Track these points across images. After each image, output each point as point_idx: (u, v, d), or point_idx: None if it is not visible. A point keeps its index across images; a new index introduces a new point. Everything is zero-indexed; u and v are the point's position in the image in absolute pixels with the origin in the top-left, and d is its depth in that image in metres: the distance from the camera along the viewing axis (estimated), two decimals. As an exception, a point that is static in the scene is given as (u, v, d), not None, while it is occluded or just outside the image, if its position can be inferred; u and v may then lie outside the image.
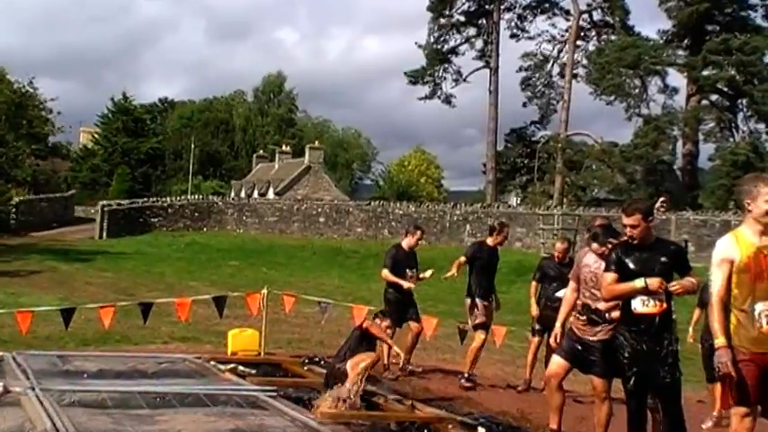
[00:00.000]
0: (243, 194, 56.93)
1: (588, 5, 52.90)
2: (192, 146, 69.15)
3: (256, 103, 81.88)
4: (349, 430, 6.06)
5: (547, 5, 54.93)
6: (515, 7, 55.26)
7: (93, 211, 44.20)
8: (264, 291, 11.57)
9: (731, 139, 46.77)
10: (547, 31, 55.30)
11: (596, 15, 53.76)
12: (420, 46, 54.91)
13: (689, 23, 46.85)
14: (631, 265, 6.06)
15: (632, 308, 6.04)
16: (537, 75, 55.75)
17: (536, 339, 10.44)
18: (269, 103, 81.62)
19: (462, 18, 54.54)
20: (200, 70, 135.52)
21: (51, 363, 8.53)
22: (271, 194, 55.67)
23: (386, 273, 10.80)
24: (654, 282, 5.94)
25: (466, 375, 10.29)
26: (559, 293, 8.72)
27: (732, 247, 5.24)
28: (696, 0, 45.25)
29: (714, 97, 48.27)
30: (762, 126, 46.61)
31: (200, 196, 46.59)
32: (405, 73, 55.36)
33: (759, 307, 5.13)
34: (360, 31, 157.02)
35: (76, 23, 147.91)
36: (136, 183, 62.52)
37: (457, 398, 9.27)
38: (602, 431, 6.87)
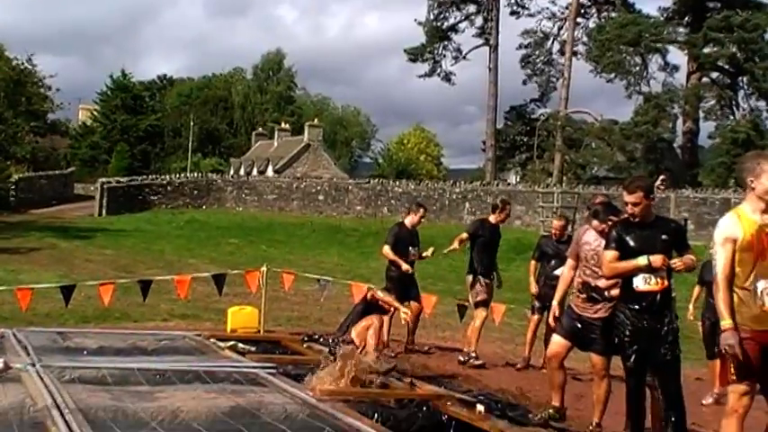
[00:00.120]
0: (242, 172, 56.87)
1: (589, -18, 52.68)
2: (191, 123, 68.95)
3: (255, 80, 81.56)
4: (348, 407, 6.07)
5: (547, -18, 54.70)
6: (515, -16, 54.99)
7: (92, 188, 44.18)
8: (264, 268, 11.59)
9: (731, 117, 46.64)
10: (547, 9, 55.15)
11: (596, -8, 53.53)
12: (420, 23, 54.68)
13: (689, 0, 46.62)
14: (632, 243, 6.06)
15: (634, 286, 6.04)
16: (537, 52, 55.52)
17: (535, 317, 10.46)
18: (268, 81, 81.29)
19: (462, -5, 54.28)
20: (199, 47, 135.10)
21: (52, 339, 8.54)
22: (270, 172, 55.61)
23: (386, 249, 10.80)
24: (657, 259, 5.94)
25: (473, 354, 10.33)
26: (558, 271, 8.74)
27: (735, 226, 5.22)
28: (697, -23, 45.12)
29: (715, 75, 48.11)
30: (762, 104, 46.50)
31: (200, 174, 46.53)
32: (404, 50, 55.17)
33: (761, 285, 5.12)
34: (359, 8, 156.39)
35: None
36: (135, 160, 62.40)
37: (456, 375, 9.29)
38: (601, 408, 6.89)
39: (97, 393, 5.79)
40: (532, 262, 10.67)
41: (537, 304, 10.35)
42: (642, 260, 5.96)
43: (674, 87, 47.08)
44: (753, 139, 41.07)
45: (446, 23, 54.91)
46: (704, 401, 8.86)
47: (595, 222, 7.03)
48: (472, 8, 54.59)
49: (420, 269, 11.44)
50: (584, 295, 6.93)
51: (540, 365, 10.41)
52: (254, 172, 56.51)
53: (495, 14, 53.40)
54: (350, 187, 41.80)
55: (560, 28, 54.60)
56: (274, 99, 79.22)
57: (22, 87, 37.87)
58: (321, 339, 9.97)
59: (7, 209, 39.05)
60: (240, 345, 8.99)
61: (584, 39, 53.02)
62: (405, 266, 10.62)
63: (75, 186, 52.47)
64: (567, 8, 53.23)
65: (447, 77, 55.35)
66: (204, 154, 70.10)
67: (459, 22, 54.99)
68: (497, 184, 41.32)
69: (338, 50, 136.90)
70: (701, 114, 48.11)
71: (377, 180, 43.29)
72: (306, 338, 10.08)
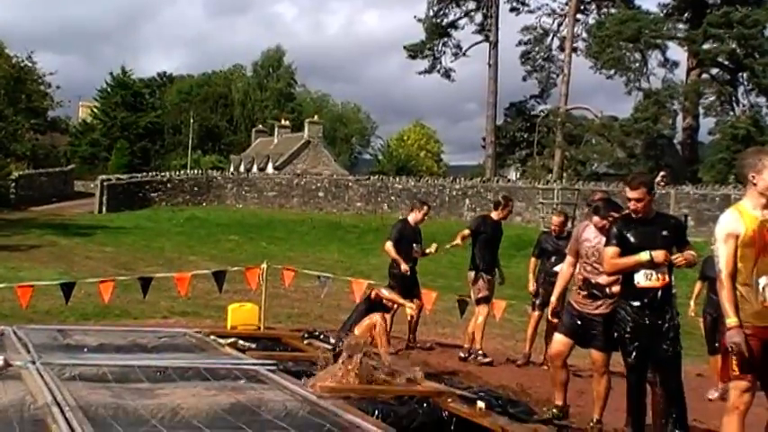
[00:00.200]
0: (242, 169, 56.83)
1: (589, -21, 52.63)
2: (191, 120, 68.94)
3: (255, 77, 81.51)
4: (348, 404, 6.07)
5: (547, -22, 54.64)
6: (515, -20, 54.93)
7: (92, 185, 44.12)
8: (264, 265, 11.58)
9: (731, 113, 46.59)
10: (547, 5, 55.06)
11: (596, -12, 53.47)
12: (419, 20, 54.59)
13: (689, -4, 46.64)
14: (632, 239, 6.05)
15: (635, 282, 6.04)
16: (537, 48, 55.45)
17: (536, 314, 10.47)
18: (268, 78, 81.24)
19: (462, -9, 54.23)
20: (199, 44, 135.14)
21: (52, 337, 8.54)
22: (270, 169, 55.60)
23: (389, 246, 10.80)
24: (659, 254, 5.93)
25: (480, 351, 10.34)
26: (557, 268, 8.74)
27: (737, 222, 5.21)
28: (697, -27, 45.08)
29: (714, 71, 48.04)
30: (762, 100, 46.40)
31: (200, 171, 46.48)
32: (404, 47, 55.09)
33: (763, 281, 5.12)
34: (359, 5, 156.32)
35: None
36: (135, 157, 62.41)
37: (456, 372, 9.30)
38: (601, 405, 6.89)
39: (97, 391, 5.79)
40: (532, 259, 10.67)
41: (537, 301, 10.36)
42: (644, 255, 5.95)
43: (673, 83, 47.02)
44: (753, 135, 41.01)
45: (446, 20, 54.86)
46: (710, 396, 8.86)
47: (596, 218, 7.02)
48: (472, 5, 54.56)
49: (420, 266, 11.44)
50: (585, 292, 6.92)
51: (540, 362, 10.42)
52: (254, 169, 56.49)
53: (495, 11, 53.33)
54: (350, 184, 41.75)
55: (560, 24, 54.59)
56: (274, 96, 79.17)
57: (23, 85, 37.84)
58: (321, 336, 9.98)
59: (7, 206, 39.01)
60: (240, 342, 8.99)
61: (584, 35, 52.98)
62: (404, 267, 10.62)
63: (76, 183, 52.42)
64: (566, 4, 53.18)
65: (447, 74, 55.38)
66: (204, 151, 70.09)
67: (459, 18, 54.98)
68: (497, 181, 41.27)
69: (338, 47, 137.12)
70: (701, 110, 48.07)
71: (377, 177, 43.24)
72: (306, 335, 10.08)
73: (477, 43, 54.58)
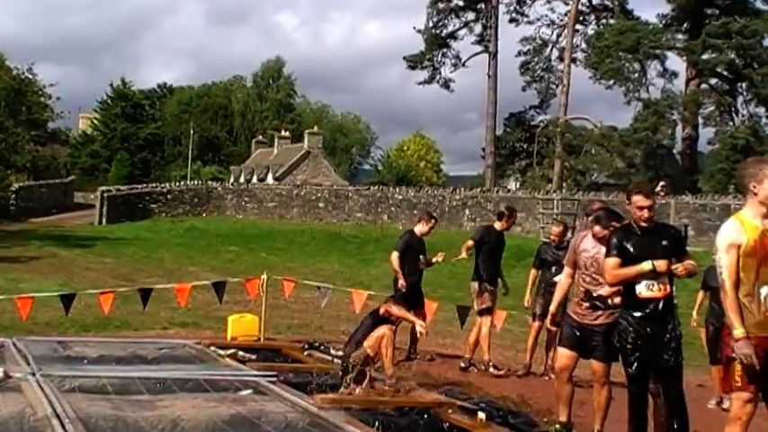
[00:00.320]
0: (242, 180, 56.88)
1: (587, -11, 52.76)
2: (191, 131, 69.01)
3: (255, 88, 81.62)
4: (349, 415, 6.06)
5: (546, -11, 54.70)
6: (514, -9, 55.06)
7: (92, 196, 44.14)
8: (264, 276, 11.57)
9: (731, 123, 46.60)
10: (546, 16, 55.09)
11: (595, -1, 53.63)
12: (419, 31, 54.67)
13: (688, 7, 46.62)
14: (632, 250, 6.03)
15: (637, 292, 6.00)
16: (536, 59, 55.53)
17: (536, 324, 10.43)
18: (268, 89, 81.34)
19: (461, 2, 54.24)
20: (199, 55, 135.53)
21: (52, 348, 8.54)
22: (270, 180, 55.63)
23: (395, 256, 10.81)
24: (662, 264, 5.90)
25: (490, 363, 10.33)
26: (557, 278, 8.73)
27: (738, 231, 5.19)
28: (695, -17, 45.14)
29: (714, 81, 48.08)
30: (761, 110, 46.40)
31: (200, 182, 46.50)
32: (404, 57, 55.17)
33: (764, 291, 5.10)
34: (359, 16, 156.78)
35: (76, 8, 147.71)
36: (135, 168, 62.49)
37: (457, 383, 9.27)
38: (602, 415, 6.86)
39: (97, 402, 5.79)
40: (532, 270, 10.64)
41: (538, 311, 10.33)
42: (647, 265, 5.92)
43: (673, 94, 47.05)
44: (752, 145, 41.00)
45: (445, 31, 54.97)
46: (723, 405, 8.82)
47: (597, 228, 6.98)
48: (471, 15, 54.71)
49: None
50: (587, 303, 6.88)
51: (541, 372, 10.40)
52: (254, 179, 56.52)
53: (495, 22, 53.45)
54: (350, 194, 41.77)
55: (559, 35, 54.69)
56: (274, 107, 79.27)
57: (23, 96, 37.88)
58: (322, 347, 9.97)
59: (7, 218, 39.04)
60: (240, 353, 8.99)
61: (583, 45, 53.10)
62: (401, 282, 10.62)
63: (76, 195, 52.47)
64: (565, 15, 53.33)
65: (446, 84, 55.47)
66: (204, 162, 70.13)
67: (459, 29, 55.09)
68: (497, 191, 41.28)
69: (338, 58, 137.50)
70: (701, 120, 48.10)
71: (377, 187, 43.27)
72: (306, 346, 10.07)
73: (476, 54, 54.74)
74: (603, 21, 52.57)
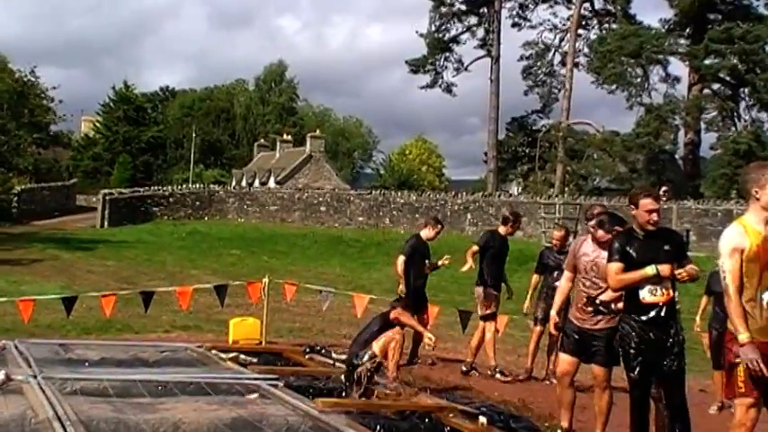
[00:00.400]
0: (244, 183, 56.92)
1: (590, -6, 52.79)
2: (194, 134, 69.11)
3: (257, 91, 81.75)
4: (350, 419, 6.05)
5: (548, -6, 54.76)
6: (517, -4, 55.11)
7: (94, 199, 44.19)
8: (266, 279, 11.58)
9: (733, 129, 46.58)
10: (548, 20, 55.18)
11: (598, 4, 53.55)
12: (421, 35, 54.76)
13: (691, 12, 46.63)
14: (634, 254, 6.01)
15: (640, 297, 5.98)
16: (538, 63, 55.60)
17: (538, 329, 10.42)
18: (270, 92, 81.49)
19: (463, 7, 54.37)
20: (201, 59, 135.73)
21: (53, 351, 8.53)
22: (272, 183, 55.64)
23: (400, 260, 10.79)
24: (665, 268, 5.88)
25: (497, 369, 10.32)
26: (559, 282, 8.72)
27: (741, 236, 5.18)
28: (698, -12, 45.12)
29: (716, 86, 48.08)
30: (764, 115, 46.42)
31: (202, 185, 46.51)
32: (406, 61, 55.26)
33: (767, 296, 5.10)
34: (361, 20, 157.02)
35: (79, 11, 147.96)
36: (137, 171, 62.57)
37: (458, 387, 9.27)
38: (603, 420, 6.85)
39: (99, 405, 5.78)
40: (534, 276, 10.62)
41: (540, 315, 10.31)
42: (650, 269, 5.89)
43: (675, 99, 47.07)
44: (754, 150, 41.00)
45: (448, 35, 55.05)
46: (711, 411, 8.82)
47: (601, 232, 6.93)
48: (474, 20, 54.77)
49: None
50: (589, 308, 6.86)
51: (542, 377, 10.39)
52: (256, 183, 56.56)
53: (497, 26, 53.51)
54: (352, 198, 41.78)
55: (561, 39, 54.78)
56: (276, 110, 79.38)
57: (25, 99, 38.02)
58: (323, 351, 9.97)
59: (10, 220, 39.07)
60: (242, 356, 8.98)
61: (586, 50, 53.19)
62: (401, 288, 10.62)
63: (78, 198, 52.52)
64: (568, 20, 53.39)
65: (448, 89, 55.52)
66: (206, 165, 70.25)
67: (461, 33, 55.18)
68: (499, 196, 41.27)
69: (340, 62, 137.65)
70: (703, 126, 48.11)
71: (379, 191, 43.28)
72: (308, 350, 10.07)
73: (478, 58, 54.81)
74: (606, 25, 52.65)
